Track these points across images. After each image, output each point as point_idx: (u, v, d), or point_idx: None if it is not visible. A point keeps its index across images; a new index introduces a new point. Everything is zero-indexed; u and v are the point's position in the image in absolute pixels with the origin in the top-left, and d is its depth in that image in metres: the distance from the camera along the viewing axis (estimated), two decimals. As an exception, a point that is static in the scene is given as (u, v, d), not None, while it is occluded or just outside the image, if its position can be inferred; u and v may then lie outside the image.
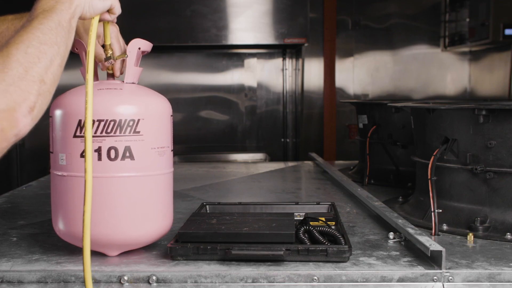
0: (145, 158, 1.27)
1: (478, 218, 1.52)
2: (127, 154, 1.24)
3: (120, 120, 1.24)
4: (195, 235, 1.30)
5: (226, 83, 5.20)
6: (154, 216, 1.32)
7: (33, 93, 0.90)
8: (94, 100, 1.21)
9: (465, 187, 1.57)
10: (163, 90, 5.81)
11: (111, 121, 1.23)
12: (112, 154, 1.23)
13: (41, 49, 0.93)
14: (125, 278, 1.21)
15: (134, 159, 1.25)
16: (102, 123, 1.23)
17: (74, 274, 1.21)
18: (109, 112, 1.24)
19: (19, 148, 4.93)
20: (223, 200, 1.86)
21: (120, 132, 1.24)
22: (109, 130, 1.23)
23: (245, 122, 5.23)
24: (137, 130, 1.25)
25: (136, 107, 1.27)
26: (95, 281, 1.21)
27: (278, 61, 5.20)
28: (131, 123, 1.24)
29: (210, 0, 4.55)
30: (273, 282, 1.20)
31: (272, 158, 5.12)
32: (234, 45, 4.72)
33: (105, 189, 1.25)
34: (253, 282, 1.20)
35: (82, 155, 1.23)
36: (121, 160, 1.24)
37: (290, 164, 3.23)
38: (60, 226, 1.31)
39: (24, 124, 0.88)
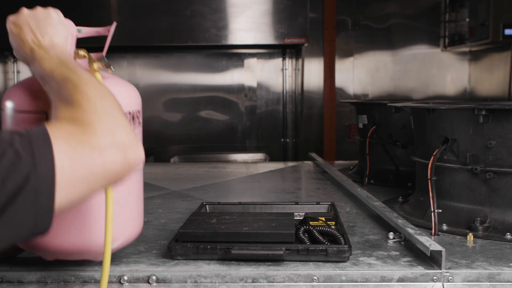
0: None
1: (478, 218, 1.52)
2: None
3: (133, 112, 1.16)
4: (195, 235, 1.30)
5: (226, 83, 5.20)
6: (128, 220, 1.20)
7: (123, 119, 0.93)
8: None
9: (465, 187, 1.57)
10: (163, 90, 5.85)
11: (127, 113, 1.14)
12: None
13: (101, 89, 0.97)
14: (125, 278, 1.21)
15: None
16: None
17: (74, 274, 1.21)
18: (128, 104, 1.15)
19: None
20: (223, 200, 1.86)
21: (133, 124, 1.16)
22: None
23: (245, 122, 5.23)
24: (140, 121, 1.18)
25: (138, 95, 1.20)
26: (95, 281, 1.21)
27: (278, 61, 5.20)
28: (138, 114, 1.17)
29: (210, 0, 4.55)
30: (273, 282, 1.20)
31: (272, 158, 5.12)
32: (234, 45, 4.72)
33: None
34: (253, 282, 1.20)
35: None
36: None
37: (290, 164, 3.23)
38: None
39: (140, 147, 0.92)
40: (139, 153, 0.91)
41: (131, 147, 0.89)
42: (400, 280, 1.21)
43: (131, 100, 1.18)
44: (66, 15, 1.17)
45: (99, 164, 0.84)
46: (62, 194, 0.81)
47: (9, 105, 1.12)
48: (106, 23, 1.28)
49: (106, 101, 0.93)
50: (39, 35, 1.08)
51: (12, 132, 0.81)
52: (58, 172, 0.79)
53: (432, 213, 1.52)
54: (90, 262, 1.28)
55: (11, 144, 0.78)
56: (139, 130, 1.19)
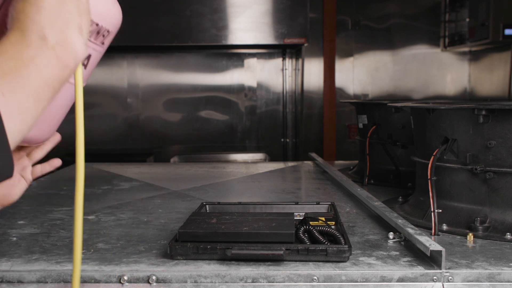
0: (90, 71, 1.07)
1: (478, 218, 1.52)
2: (85, 62, 1.04)
3: (101, 27, 1.02)
4: (195, 235, 1.30)
5: (226, 83, 5.20)
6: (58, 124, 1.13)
7: (74, 13, 0.84)
8: None
9: (465, 187, 1.57)
10: (163, 90, 5.84)
11: (94, 23, 1.01)
12: None
13: None
14: (125, 278, 1.21)
15: (85, 69, 1.04)
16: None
17: (74, 274, 1.21)
18: (97, 13, 1.00)
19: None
20: (223, 200, 1.86)
21: (94, 39, 1.02)
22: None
23: (245, 122, 5.23)
24: (104, 42, 1.05)
25: (119, 16, 1.04)
26: (95, 281, 1.21)
27: (278, 61, 5.20)
28: (105, 33, 1.04)
29: (210, 0, 4.55)
30: (273, 282, 1.20)
31: (272, 158, 5.12)
32: (234, 45, 4.73)
33: None
34: (253, 282, 1.20)
35: None
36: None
37: (290, 164, 3.23)
38: None
39: (79, 45, 0.84)
40: (75, 49, 0.82)
41: (64, 45, 0.81)
42: (400, 280, 1.21)
43: (103, 10, 1.03)
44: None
45: (37, 76, 0.78)
46: (14, 123, 0.75)
47: None
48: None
49: None
50: None
51: None
52: None
53: (432, 213, 1.52)
54: (90, 262, 1.28)
55: None
56: (99, 51, 1.07)
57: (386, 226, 1.59)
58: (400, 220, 1.50)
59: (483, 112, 1.49)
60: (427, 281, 1.20)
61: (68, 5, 0.85)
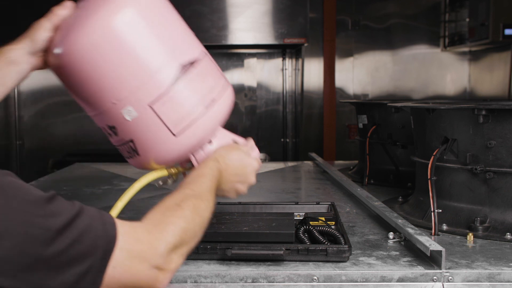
0: None
1: (478, 218, 1.52)
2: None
3: None
4: (195, 235, 1.30)
5: (226, 83, 5.19)
6: None
7: (183, 259, 0.97)
8: None
9: (465, 187, 1.57)
10: (163, 90, 5.74)
11: None
12: None
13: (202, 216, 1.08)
14: (125, 278, 1.21)
15: None
16: None
17: (74, 274, 1.21)
18: None
19: (19, 148, 4.94)
20: (222, 200, 1.86)
21: None
22: None
23: (245, 122, 5.23)
24: None
25: None
26: (95, 281, 1.21)
27: (278, 61, 5.20)
28: None
29: (209, 0, 4.55)
30: (273, 282, 1.20)
31: (272, 158, 5.12)
32: (234, 45, 4.72)
33: None
34: (253, 282, 1.20)
35: None
36: None
37: (290, 164, 3.23)
38: None
39: (168, 281, 0.94)
40: (165, 282, 0.92)
41: (167, 274, 0.91)
42: (400, 280, 1.21)
43: None
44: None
45: (133, 278, 0.87)
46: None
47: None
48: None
49: (193, 230, 0.99)
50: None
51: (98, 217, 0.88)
52: (109, 269, 0.83)
53: (432, 213, 1.52)
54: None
55: (102, 222, 0.87)
56: None
57: (386, 226, 1.59)
58: (400, 220, 1.50)
59: (483, 112, 1.49)
60: (427, 281, 1.20)
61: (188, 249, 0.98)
